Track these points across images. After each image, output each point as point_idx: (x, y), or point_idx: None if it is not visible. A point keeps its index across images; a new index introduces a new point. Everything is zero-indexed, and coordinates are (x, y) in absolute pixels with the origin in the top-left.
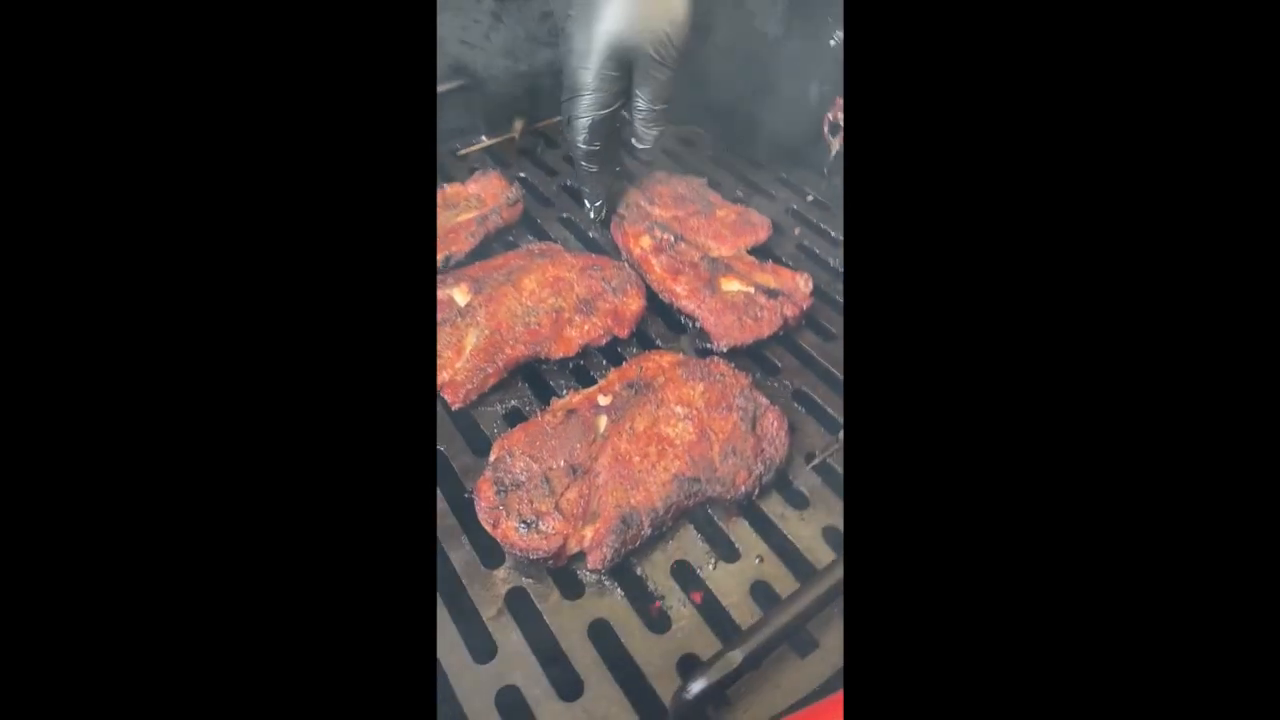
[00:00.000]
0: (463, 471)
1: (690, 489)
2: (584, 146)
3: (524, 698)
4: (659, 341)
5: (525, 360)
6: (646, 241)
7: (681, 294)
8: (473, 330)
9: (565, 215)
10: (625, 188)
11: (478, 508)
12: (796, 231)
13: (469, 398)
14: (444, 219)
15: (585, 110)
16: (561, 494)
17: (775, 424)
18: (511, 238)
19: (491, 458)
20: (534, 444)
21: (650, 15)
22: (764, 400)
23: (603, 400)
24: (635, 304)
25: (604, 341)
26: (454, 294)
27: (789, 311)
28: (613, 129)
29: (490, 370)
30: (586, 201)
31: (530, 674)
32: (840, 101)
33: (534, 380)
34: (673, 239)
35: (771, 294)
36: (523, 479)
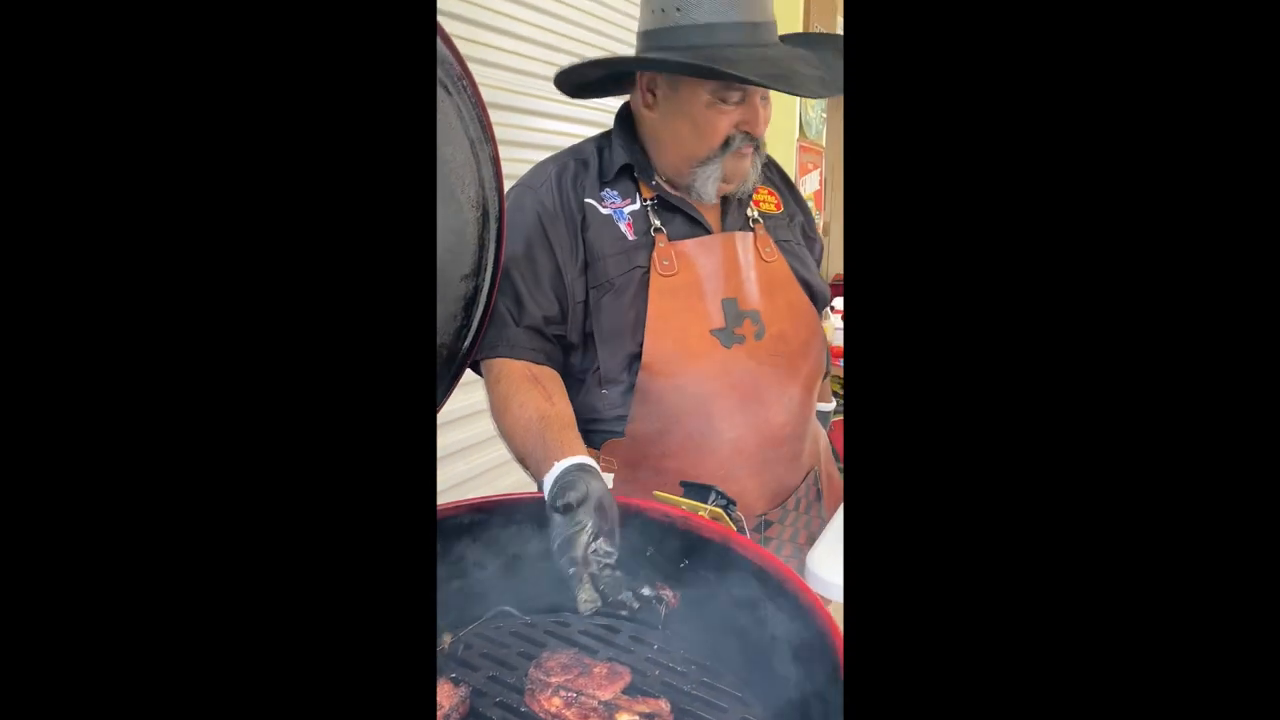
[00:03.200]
0: None
1: None
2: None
3: None
4: None
5: None
6: (557, 701)
7: None
8: None
9: (499, 700)
10: (527, 670)
11: None
12: (657, 673)
13: None
14: None
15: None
16: None
17: None
18: None
19: None
20: None
21: None
22: None
23: None
24: None
25: None
26: None
27: None
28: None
29: None
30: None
31: None
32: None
33: None
34: (575, 695)
35: (648, 717)
36: None
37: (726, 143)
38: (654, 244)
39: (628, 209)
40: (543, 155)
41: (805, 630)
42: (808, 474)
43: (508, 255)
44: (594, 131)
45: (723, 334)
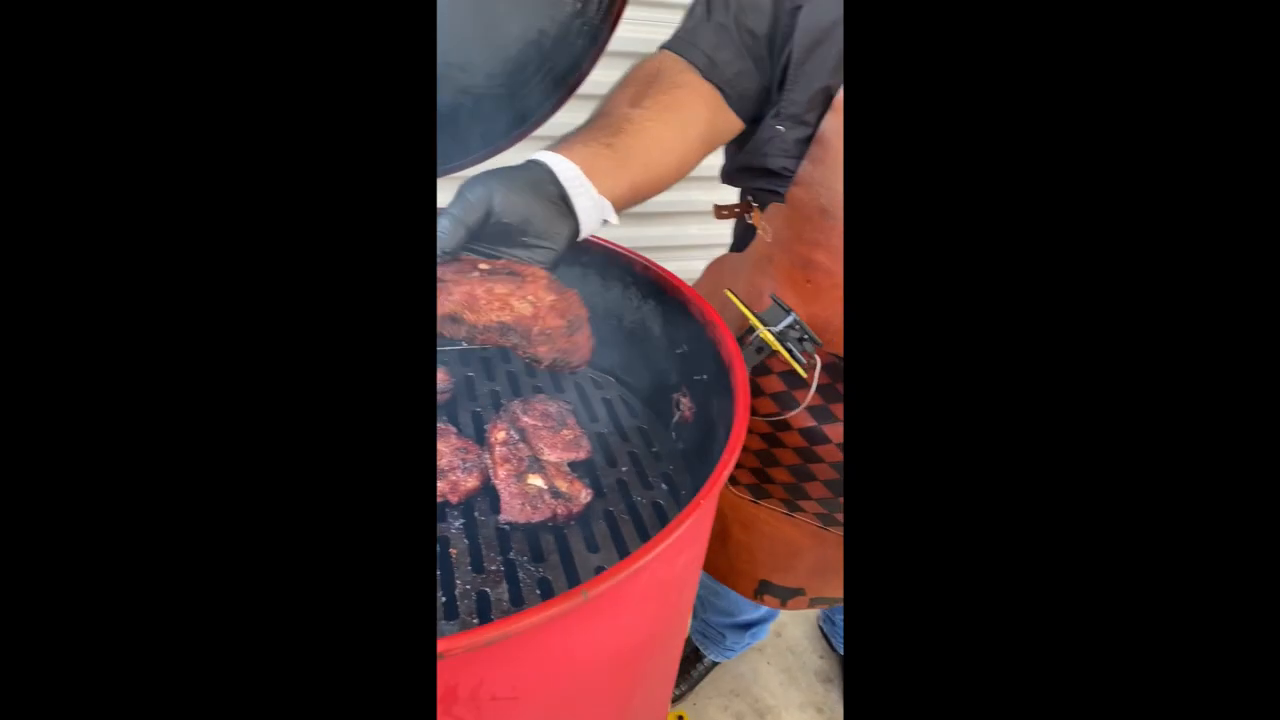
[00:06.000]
0: None
1: (506, 334)
2: None
3: None
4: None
5: None
6: (500, 435)
7: (500, 474)
8: None
9: None
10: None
11: None
12: (624, 469)
13: None
14: None
15: None
16: None
17: (585, 342)
18: None
19: None
20: None
21: None
22: (588, 328)
23: (484, 266)
24: None
25: None
26: None
27: (561, 511)
28: None
29: None
30: None
31: None
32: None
33: None
34: (517, 437)
35: (556, 494)
36: None
37: None
38: None
39: None
40: None
41: None
42: None
43: None
44: None
45: None
